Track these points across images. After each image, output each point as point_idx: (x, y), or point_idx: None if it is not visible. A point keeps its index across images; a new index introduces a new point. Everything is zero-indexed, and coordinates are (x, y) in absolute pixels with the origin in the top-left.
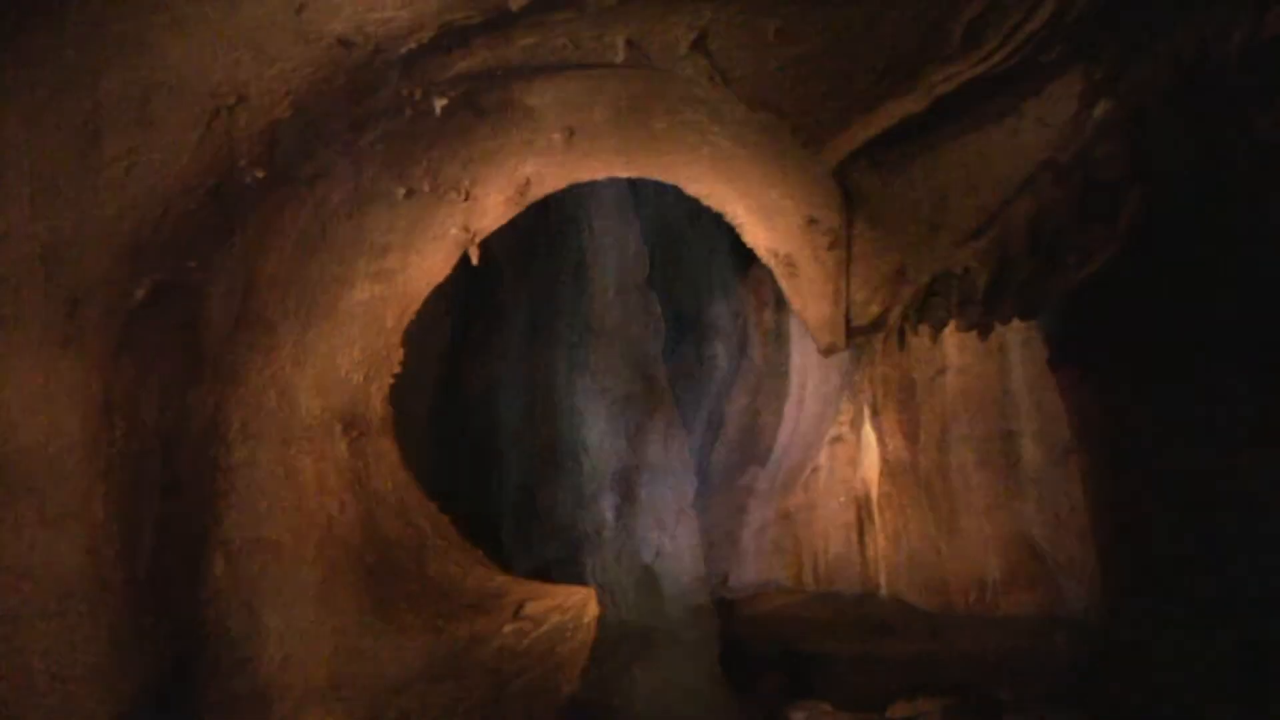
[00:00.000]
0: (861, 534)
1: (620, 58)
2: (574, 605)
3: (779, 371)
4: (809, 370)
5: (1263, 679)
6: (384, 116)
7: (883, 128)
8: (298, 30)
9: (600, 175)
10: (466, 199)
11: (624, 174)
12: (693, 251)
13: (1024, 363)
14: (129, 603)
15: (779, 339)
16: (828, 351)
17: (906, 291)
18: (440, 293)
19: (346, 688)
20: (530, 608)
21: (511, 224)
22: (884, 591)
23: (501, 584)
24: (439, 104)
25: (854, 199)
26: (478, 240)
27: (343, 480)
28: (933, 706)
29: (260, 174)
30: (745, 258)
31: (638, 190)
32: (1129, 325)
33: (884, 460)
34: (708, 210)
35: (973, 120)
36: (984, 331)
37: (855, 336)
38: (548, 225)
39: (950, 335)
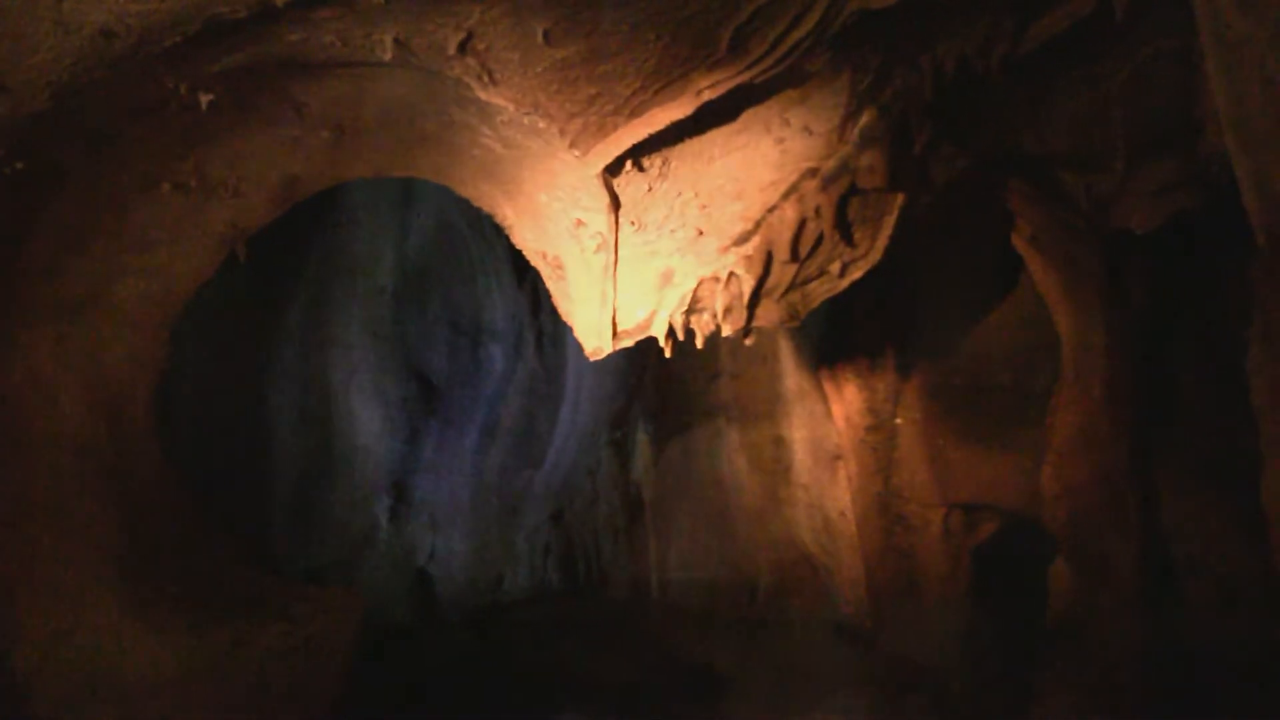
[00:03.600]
0: (633, 537)
1: (389, 56)
2: (339, 607)
3: (554, 375)
4: (584, 374)
5: (1031, 676)
6: (149, 110)
7: (650, 132)
8: (58, 19)
9: (370, 174)
10: (234, 195)
11: (395, 174)
12: (471, 253)
13: (794, 369)
14: None
15: (555, 342)
16: (594, 355)
17: (673, 295)
18: (209, 291)
19: (104, 689)
20: (295, 609)
21: (283, 222)
22: (655, 595)
23: (267, 586)
24: (205, 99)
25: (621, 202)
26: (246, 237)
27: (105, 480)
28: (701, 712)
29: (19, 165)
30: (524, 260)
31: (415, 190)
32: (888, 331)
33: (657, 464)
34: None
35: (738, 127)
36: (751, 337)
37: (621, 340)
38: (321, 224)
39: (723, 341)
